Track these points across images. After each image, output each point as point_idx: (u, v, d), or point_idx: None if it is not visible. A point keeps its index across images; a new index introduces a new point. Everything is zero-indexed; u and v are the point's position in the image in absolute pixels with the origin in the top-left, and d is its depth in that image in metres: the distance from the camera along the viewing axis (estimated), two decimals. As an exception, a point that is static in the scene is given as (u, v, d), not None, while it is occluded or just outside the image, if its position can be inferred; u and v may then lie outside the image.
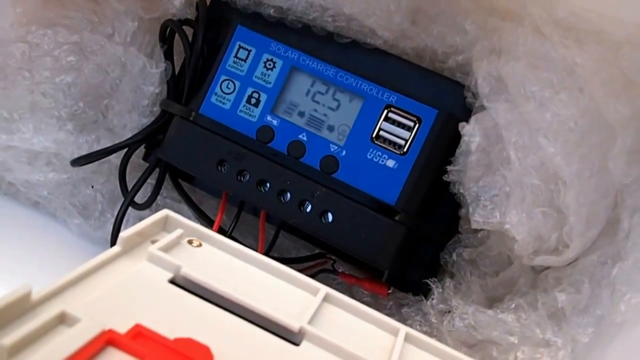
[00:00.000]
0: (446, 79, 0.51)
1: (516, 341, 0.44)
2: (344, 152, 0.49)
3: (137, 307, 0.29)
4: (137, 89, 0.56)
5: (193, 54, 0.53)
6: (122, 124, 0.57)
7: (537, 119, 0.44)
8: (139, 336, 0.27)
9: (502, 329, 0.45)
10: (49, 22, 0.55)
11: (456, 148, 0.48)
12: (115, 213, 0.55)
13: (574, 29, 0.43)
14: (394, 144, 0.48)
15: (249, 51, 0.51)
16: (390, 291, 0.52)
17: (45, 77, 0.55)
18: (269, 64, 0.51)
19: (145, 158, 0.58)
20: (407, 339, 0.35)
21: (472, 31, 0.49)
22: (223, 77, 0.52)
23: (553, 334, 0.43)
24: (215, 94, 0.51)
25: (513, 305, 0.46)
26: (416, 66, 0.51)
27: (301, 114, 0.50)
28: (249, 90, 0.51)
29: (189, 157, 0.51)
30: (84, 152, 0.55)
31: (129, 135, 0.56)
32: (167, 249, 0.34)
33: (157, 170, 0.55)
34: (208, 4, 0.56)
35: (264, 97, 0.51)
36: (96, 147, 0.56)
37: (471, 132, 0.46)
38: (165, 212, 0.37)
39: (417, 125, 0.48)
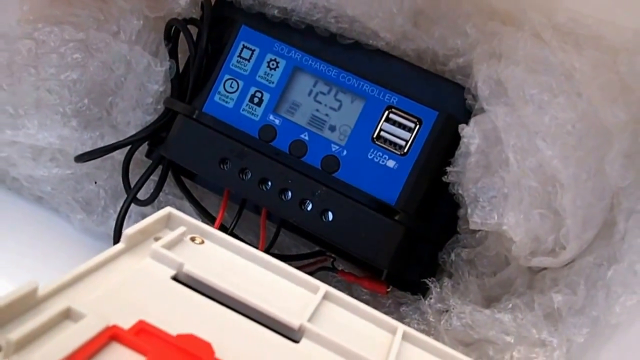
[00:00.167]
0: (447, 81, 0.51)
1: (512, 341, 0.45)
2: (345, 152, 0.49)
3: (141, 304, 0.29)
4: (142, 86, 0.56)
5: (197, 53, 0.54)
6: (126, 121, 0.57)
7: (536, 122, 0.44)
8: (142, 332, 0.27)
9: (499, 329, 0.45)
10: (55, 20, 0.56)
11: (456, 149, 0.48)
12: (118, 209, 0.55)
13: (573, 34, 0.44)
14: (395, 144, 0.49)
15: (253, 51, 0.52)
16: (389, 290, 0.52)
17: (50, 74, 0.55)
18: (272, 64, 0.51)
19: (148, 155, 0.58)
20: (405, 337, 0.35)
21: (473, 34, 0.49)
22: (227, 76, 0.52)
23: (549, 334, 0.44)
24: (219, 92, 0.52)
25: (510, 305, 0.47)
26: (417, 68, 0.52)
27: (303, 114, 0.51)
28: (252, 90, 0.51)
29: (192, 154, 0.52)
30: (87, 149, 0.55)
31: (133, 132, 0.56)
32: (170, 246, 0.34)
33: (160, 167, 0.56)
34: (213, 3, 0.57)
35: (266, 97, 0.51)
36: (100, 144, 0.56)
37: (470, 134, 0.47)
38: (168, 209, 0.37)
39: (417, 127, 0.48)
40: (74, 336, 0.25)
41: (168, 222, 0.37)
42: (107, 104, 0.58)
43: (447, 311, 0.48)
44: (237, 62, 0.52)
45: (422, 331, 0.46)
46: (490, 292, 0.50)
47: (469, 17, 0.49)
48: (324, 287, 0.36)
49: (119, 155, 0.57)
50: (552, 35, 0.44)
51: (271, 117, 0.51)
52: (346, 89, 0.50)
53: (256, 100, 0.51)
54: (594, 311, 0.42)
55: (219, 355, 0.27)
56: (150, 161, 0.57)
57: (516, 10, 0.47)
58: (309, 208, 0.49)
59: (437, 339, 0.40)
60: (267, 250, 0.52)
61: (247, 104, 0.51)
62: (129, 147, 0.55)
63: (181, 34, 0.55)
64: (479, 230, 0.49)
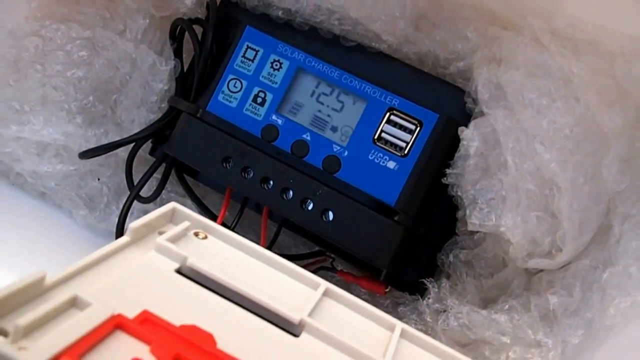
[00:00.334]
0: (447, 85, 0.52)
1: (508, 341, 0.45)
2: (346, 153, 0.50)
3: (145, 295, 0.30)
4: (146, 85, 0.56)
5: (202, 52, 0.54)
6: (130, 118, 0.58)
7: (534, 126, 0.45)
8: (146, 322, 0.28)
9: (495, 329, 0.45)
10: (62, 17, 0.56)
11: (455, 152, 0.49)
12: (120, 206, 0.56)
13: (571, 39, 0.44)
14: (395, 146, 0.49)
15: (257, 51, 0.52)
16: (387, 290, 0.53)
17: (57, 71, 0.56)
18: (276, 65, 0.52)
19: (151, 153, 0.58)
20: (403, 334, 0.36)
21: (474, 39, 0.50)
22: (230, 76, 0.53)
23: (544, 335, 0.44)
24: (223, 92, 0.53)
25: (507, 306, 0.47)
26: (419, 71, 0.52)
27: (305, 114, 0.51)
28: (256, 90, 0.52)
29: (195, 153, 0.52)
30: (92, 145, 0.56)
31: (137, 130, 0.57)
32: (174, 240, 0.35)
33: (163, 165, 0.56)
34: (218, 4, 0.57)
35: (269, 97, 0.52)
36: (104, 141, 0.57)
37: (470, 136, 0.47)
38: (172, 204, 0.38)
39: (418, 129, 0.49)
40: (80, 324, 0.25)
41: (172, 217, 0.38)
42: (111, 102, 0.58)
43: (444, 311, 0.48)
44: (241, 62, 0.53)
45: (420, 331, 0.46)
46: (488, 294, 0.50)
47: (470, 22, 0.50)
48: (324, 284, 0.37)
49: (123, 152, 0.57)
50: (551, 40, 0.45)
51: (274, 117, 0.51)
52: (348, 91, 0.51)
53: (259, 100, 0.52)
54: (589, 313, 0.42)
55: (220, 346, 0.28)
56: (154, 159, 0.57)
57: (516, 16, 0.47)
58: (310, 207, 0.49)
59: (434, 338, 0.40)
60: (267, 249, 0.52)
61: (250, 104, 0.52)
62: (132, 144, 0.56)
63: (186, 33, 0.55)
64: (477, 232, 0.49)
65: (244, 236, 0.36)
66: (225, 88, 0.53)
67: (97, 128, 0.58)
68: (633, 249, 0.42)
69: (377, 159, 0.49)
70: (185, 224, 0.37)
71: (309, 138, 0.51)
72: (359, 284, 0.54)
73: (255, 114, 0.52)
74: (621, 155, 0.43)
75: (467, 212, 0.47)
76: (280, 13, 0.54)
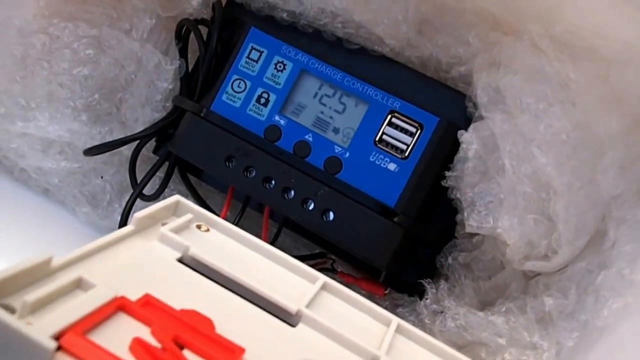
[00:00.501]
0: (448, 88, 0.52)
1: (504, 343, 0.45)
2: (347, 154, 0.50)
3: (148, 280, 0.31)
4: (151, 84, 0.57)
5: (207, 52, 0.55)
6: (134, 117, 0.58)
7: (531, 130, 0.45)
8: (148, 305, 0.28)
9: (492, 331, 0.46)
10: (69, 16, 0.57)
11: (455, 155, 0.49)
12: (122, 203, 0.57)
13: (569, 45, 0.45)
14: (396, 148, 0.50)
15: (261, 53, 0.53)
16: (387, 292, 0.53)
17: (63, 69, 0.56)
18: (280, 66, 0.53)
19: (155, 151, 0.59)
20: (399, 330, 0.37)
21: (475, 43, 0.50)
22: (235, 77, 0.53)
23: (540, 337, 0.45)
24: (227, 92, 0.53)
25: (504, 308, 0.47)
26: (420, 75, 0.53)
27: (308, 115, 0.52)
28: (259, 90, 0.53)
29: (198, 151, 0.53)
30: (96, 143, 0.56)
31: (141, 128, 0.57)
32: (177, 230, 0.35)
33: (166, 163, 0.57)
34: (224, 5, 0.58)
35: (273, 98, 0.52)
36: (109, 139, 0.57)
37: (469, 140, 0.48)
38: (176, 197, 0.39)
39: (418, 132, 0.49)
40: (84, 303, 0.26)
41: (176, 210, 0.39)
42: (117, 100, 0.59)
43: (442, 312, 0.48)
44: (246, 63, 0.53)
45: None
46: (486, 296, 0.50)
47: (471, 27, 0.50)
48: (322, 278, 0.38)
49: (126, 150, 0.58)
50: (549, 46, 0.45)
51: (277, 117, 0.52)
52: (351, 93, 0.51)
53: (263, 100, 0.52)
54: (584, 315, 0.43)
55: (218, 331, 0.29)
56: (157, 157, 0.58)
57: (517, 21, 0.48)
58: (311, 207, 0.50)
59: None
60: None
61: (253, 104, 0.52)
62: (136, 142, 0.56)
63: (192, 33, 0.56)
64: (475, 235, 0.50)
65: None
66: (229, 88, 0.53)
67: (102, 126, 0.58)
68: (627, 252, 0.42)
69: (378, 161, 0.50)
70: (188, 216, 0.38)
71: (311, 139, 0.51)
72: (358, 285, 0.54)
73: (259, 114, 0.52)
74: (617, 160, 0.44)
75: (465, 214, 0.48)
76: (284, 15, 0.55)
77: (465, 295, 0.50)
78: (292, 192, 0.50)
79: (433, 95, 0.52)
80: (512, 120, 0.47)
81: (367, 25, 0.52)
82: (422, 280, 0.50)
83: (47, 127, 0.56)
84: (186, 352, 0.27)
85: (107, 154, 0.57)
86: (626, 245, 0.42)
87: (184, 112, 0.55)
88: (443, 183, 0.49)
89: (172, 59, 0.57)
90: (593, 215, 0.45)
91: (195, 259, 0.34)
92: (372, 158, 0.50)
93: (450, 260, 0.51)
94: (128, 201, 0.55)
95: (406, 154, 0.49)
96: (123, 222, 0.55)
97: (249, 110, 0.52)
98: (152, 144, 0.59)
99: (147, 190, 0.56)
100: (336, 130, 0.51)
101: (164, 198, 0.57)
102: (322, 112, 0.52)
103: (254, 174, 0.51)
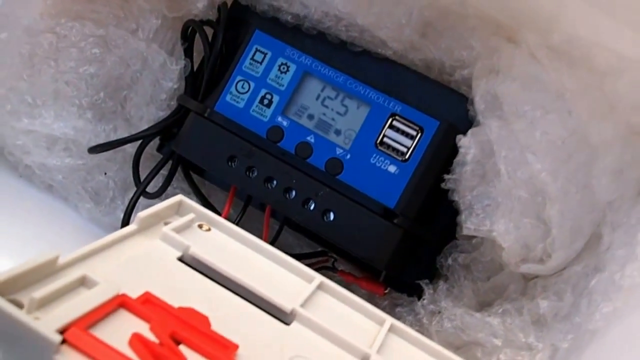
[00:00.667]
0: (450, 91, 0.52)
1: (500, 344, 0.46)
2: (348, 156, 0.51)
3: (148, 278, 0.32)
4: (156, 83, 0.57)
5: (212, 53, 0.55)
6: (139, 115, 0.58)
7: (527, 137, 0.46)
8: (148, 302, 0.29)
9: (488, 331, 0.46)
10: (76, 15, 0.57)
11: (455, 158, 0.49)
12: (125, 200, 0.57)
13: (566, 54, 0.45)
14: (397, 150, 0.50)
15: (265, 54, 0.54)
16: (386, 291, 0.54)
17: (69, 67, 0.57)
18: (283, 68, 0.53)
19: (159, 150, 0.60)
20: (392, 329, 0.37)
21: (478, 47, 0.50)
22: (239, 78, 0.54)
23: (535, 338, 0.45)
24: (231, 93, 0.54)
25: (501, 309, 0.48)
26: (422, 78, 0.53)
27: (310, 117, 0.52)
28: (263, 92, 0.53)
29: (201, 151, 0.53)
30: (101, 141, 0.57)
31: (145, 127, 0.58)
32: (178, 230, 0.36)
33: (170, 162, 0.57)
34: (229, 7, 0.58)
35: (276, 99, 0.53)
36: (113, 137, 0.58)
37: (467, 144, 0.48)
38: (179, 197, 0.39)
39: (419, 135, 0.50)
40: (87, 300, 0.27)
41: (178, 209, 0.40)
42: (122, 99, 0.59)
43: (439, 313, 0.49)
44: (250, 64, 0.54)
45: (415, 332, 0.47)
46: (484, 297, 0.51)
47: (475, 31, 0.50)
48: (319, 278, 0.38)
49: (130, 148, 0.58)
50: (546, 54, 0.46)
51: (279, 118, 0.52)
52: (353, 95, 0.51)
53: (266, 101, 0.53)
54: (578, 318, 0.43)
55: (214, 328, 0.30)
56: (161, 156, 0.58)
57: (520, 27, 0.48)
58: (312, 207, 0.50)
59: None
60: (268, 246, 0.53)
61: (257, 105, 0.53)
62: (140, 141, 0.57)
63: (197, 34, 0.57)
64: (474, 236, 0.50)
65: (246, 233, 0.39)
66: (233, 89, 0.54)
67: (106, 124, 0.59)
68: (620, 256, 0.42)
69: (379, 163, 0.50)
70: (190, 215, 0.38)
71: (313, 140, 0.52)
72: (358, 284, 0.54)
73: (262, 115, 0.53)
74: (611, 167, 0.44)
75: (463, 217, 0.48)
76: (289, 18, 0.55)
77: (464, 296, 0.50)
78: (294, 193, 0.51)
79: (435, 98, 0.52)
80: (508, 126, 0.47)
81: (371, 28, 0.52)
82: (419, 282, 0.51)
83: (53, 125, 0.57)
84: (182, 348, 0.28)
85: (111, 151, 0.57)
86: (619, 249, 0.43)
87: (188, 112, 0.55)
88: (442, 186, 0.50)
89: (177, 59, 0.58)
90: (588, 220, 0.46)
91: (195, 258, 0.34)
92: (373, 160, 0.50)
93: (450, 261, 0.51)
94: (131, 199, 0.55)
95: (406, 157, 0.50)
96: (126, 220, 0.55)
97: (252, 111, 0.53)
98: (156, 141, 0.59)
99: (150, 187, 0.57)
100: (338, 132, 0.51)
101: (167, 196, 0.58)
102: (324, 114, 0.52)
103: (255, 174, 0.51)
